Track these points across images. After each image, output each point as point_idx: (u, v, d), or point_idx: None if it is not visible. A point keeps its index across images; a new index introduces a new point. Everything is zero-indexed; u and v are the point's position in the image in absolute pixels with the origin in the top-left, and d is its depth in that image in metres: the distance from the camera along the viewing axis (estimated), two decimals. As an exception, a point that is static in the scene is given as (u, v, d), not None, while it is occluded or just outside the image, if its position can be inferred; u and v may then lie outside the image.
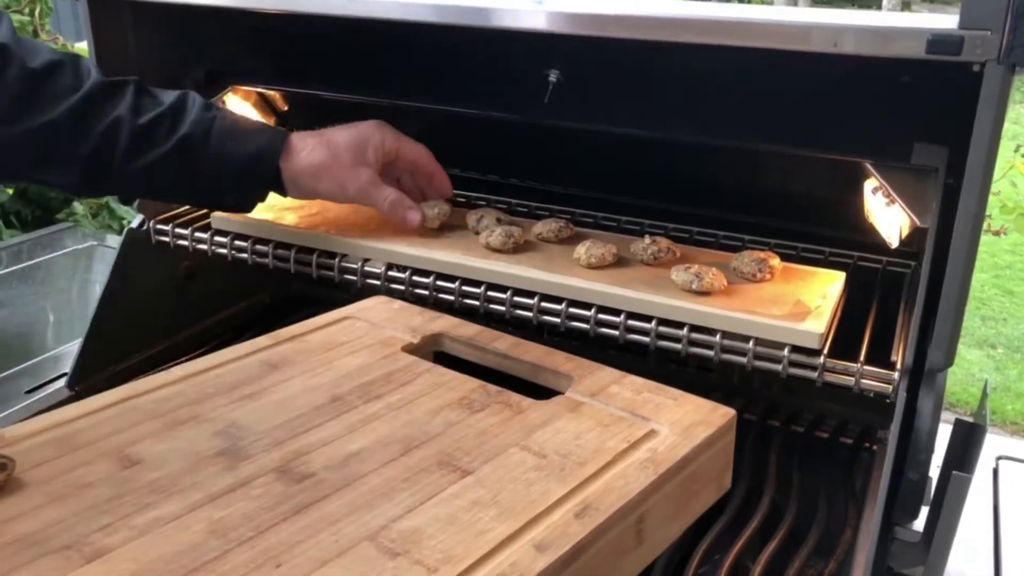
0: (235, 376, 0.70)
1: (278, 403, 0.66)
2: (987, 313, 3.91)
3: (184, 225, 1.01)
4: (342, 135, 0.90)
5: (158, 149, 0.82)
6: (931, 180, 0.74)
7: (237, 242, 0.98)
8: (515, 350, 0.76)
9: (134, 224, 1.04)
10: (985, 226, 2.31)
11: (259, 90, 1.08)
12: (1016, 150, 2.53)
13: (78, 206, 1.66)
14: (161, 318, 1.09)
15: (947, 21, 0.62)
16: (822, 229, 0.97)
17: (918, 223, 0.74)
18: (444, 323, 0.81)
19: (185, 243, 1.01)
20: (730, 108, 0.89)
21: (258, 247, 0.97)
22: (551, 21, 0.78)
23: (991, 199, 2.68)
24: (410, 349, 0.76)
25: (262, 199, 0.90)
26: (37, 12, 1.77)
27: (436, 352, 0.80)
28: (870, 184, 0.81)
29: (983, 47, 0.59)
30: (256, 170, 0.86)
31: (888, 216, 0.80)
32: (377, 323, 0.80)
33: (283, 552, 0.50)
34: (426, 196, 0.98)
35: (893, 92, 0.77)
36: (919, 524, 0.77)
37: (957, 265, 0.65)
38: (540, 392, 0.72)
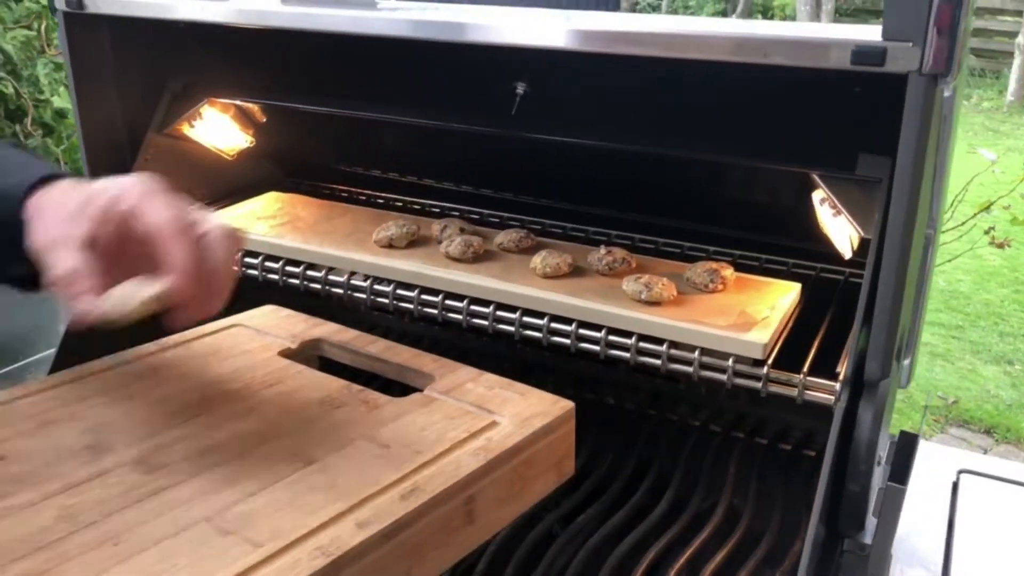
0: (115, 380, 0.73)
1: (149, 403, 0.69)
2: (1006, 329, 3.84)
3: (159, 234, 1.03)
4: (100, 184, 0.61)
5: None
6: (876, 191, 0.74)
7: (208, 251, 1.00)
8: (386, 353, 0.79)
9: (112, 233, 1.06)
10: (989, 238, 2.27)
11: (237, 103, 1.10)
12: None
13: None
14: (137, 326, 1.11)
15: (874, 33, 0.62)
16: (787, 240, 0.97)
17: (862, 234, 0.74)
18: (325, 329, 0.83)
19: (160, 252, 1.03)
20: (691, 119, 0.89)
21: (228, 256, 0.99)
22: (519, 35, 0.80)
23: (1001, 213, 2.65)
24: (287, 354, 0.78)
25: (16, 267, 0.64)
26: (43, 27, 1.82)
27: (322, 358, 0.82)
28: (818, 195, 0.81)
29: (905, 58, 0.59)
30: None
31: (837, 227, 0.80)
32: (262, 330, 0.83)
33: (123, 532, 0.54)
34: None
35: (841, 103, 0.77)
36: (871, 536, 0.76)
37: (889, 276, 0.65)
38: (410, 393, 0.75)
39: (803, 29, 0.69)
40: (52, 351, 1.06)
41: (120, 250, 0.60)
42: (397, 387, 0.75)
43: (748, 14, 8.26)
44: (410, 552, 0.57)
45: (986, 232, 2.50)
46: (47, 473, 0.60)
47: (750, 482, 0.90)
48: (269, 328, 0.84)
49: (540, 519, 0.86)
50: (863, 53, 0.60)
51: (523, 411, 0.69)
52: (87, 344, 1.05)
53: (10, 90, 1.71)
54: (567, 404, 0.71)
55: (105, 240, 0.59)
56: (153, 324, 1.05)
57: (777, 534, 0.83)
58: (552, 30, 0.78)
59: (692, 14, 8.32)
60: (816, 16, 7.69)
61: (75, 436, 0.64)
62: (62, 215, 0.60)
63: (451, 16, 0.86)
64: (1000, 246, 2.33)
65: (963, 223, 2.68)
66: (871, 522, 0.76)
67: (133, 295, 0.60)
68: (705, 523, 0.85)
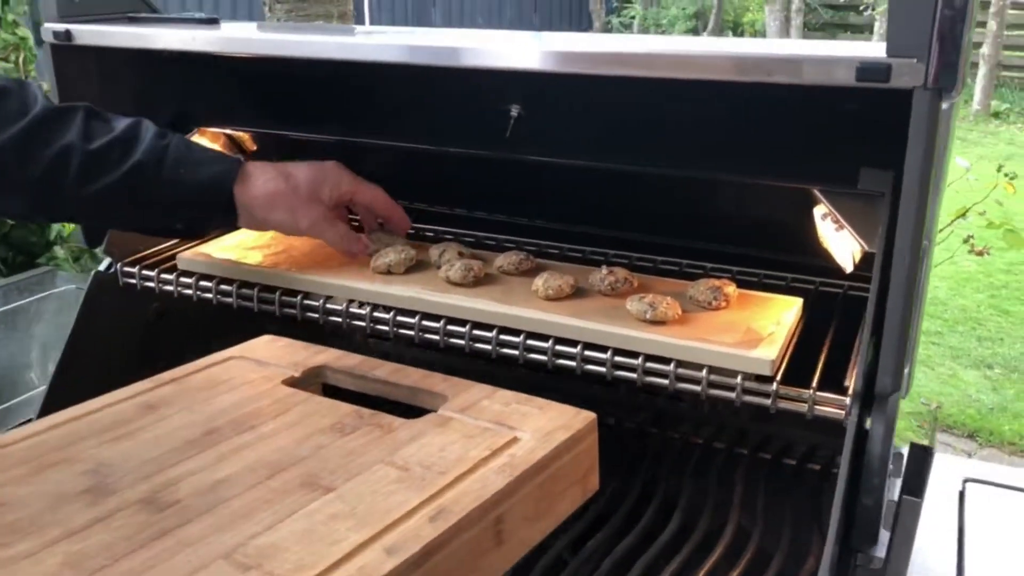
0: (110, 419, 0.71)
1: (150, 440, 0.67)
2: (983, 333, 3.89)
3: (151, 267, 1.02)
4: (300, 169, 0.90)
5: (109, 176, 0.82)
6: (878, 205, 0.74)
7: (202, 283, 0.99)
8: (394, 376, 0.78)
9: (101, 267, 1.05)
10: (968, 247, 2.30)
11: (227, 132, 1.09)
12: (998, 169, 2.54)
13: (59, 250, 1.67)
14: (130, 361, 1.09)
15: (878, 49, 0.63)
16: (785, 255, 0.97)
17: (866, 248, 0.74)
18: (327, 356, 0.82)
19: (152, 284, 1.02)
20: (688, 138, 0.90)
21: (222, 287, 0.98)
22: (512, 58, 0.80)
23: (976, 219, 2.69)
24: (291, 382, 0.77)
25: (215, 227, 0.92)
26: (21, 59, 1.80)
27: (326, 385, 0.81)
28: (819, 210, 0.81)
29: (910, 74, 0.60)
30: (209, 197, 0.85)
31: (839, 241, 0.80)
32: (262, 360, 0.81)
33: None
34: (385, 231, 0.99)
35: (840, 119, 0.78)
36: (883, 550, 0.76)
37: (898, 289, 0.65)
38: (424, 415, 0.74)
39: (802, 47, 0.70)
40: (33, 392, 1.04)
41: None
42: (406, 412, 0.74)
43: (719, 31, 8.37)
44: None
45: (965, 240, 2.53)
46: (47, 519, 0.58)
47: (757, 498, 0.90)
48: (269, 358, 0.83)
49: (550, 546, 0.85)
50: (868, 70, 0.61)
51: (544, 425, 0.68)
52: (77, 383, 1.03)
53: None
54: (588, 415, 0.70)
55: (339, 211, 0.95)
56: (145, 359, 1.03)
57: (788, 551, 0.83)
58: (547, 53, 0.78)
59: (664, 32, 8.42)
60: (785, 32, 7.80)
61: (74, 479, 0.62)
62: (300, 197, 0.89)
63: (442, 41, 0.86)
64: (980, 253, 2.36)
65: (941, 230, 2.71)
66: (882, 536, 0.76)
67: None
68: (715, 543, 0.84)
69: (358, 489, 0.60)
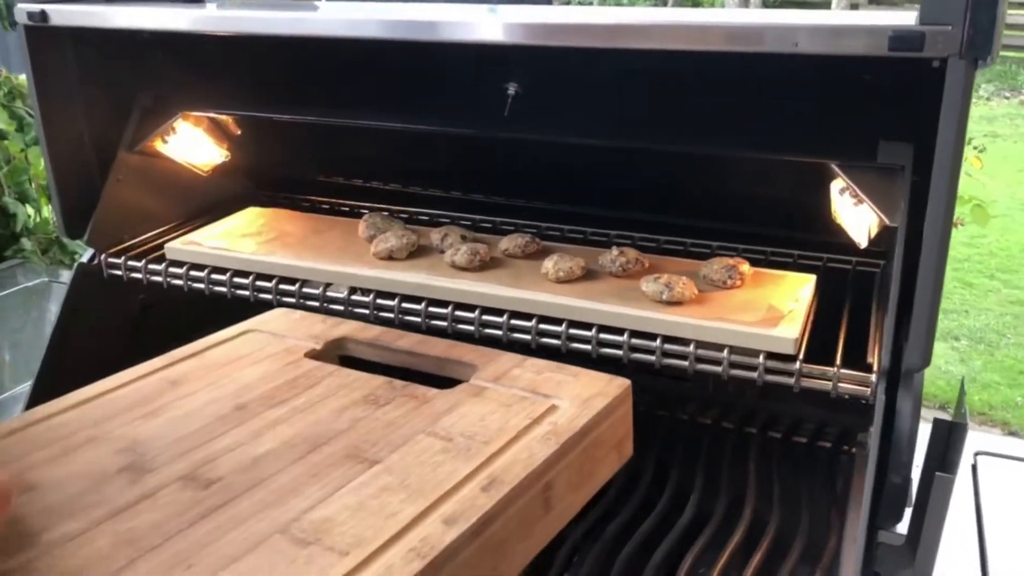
0: (134, 396, 0.70)
1: (180, 417, 0.66)
2: (948, 306, 3.95)
3: (137, 258, 0.98)
4: None
5: None
6: (898, 178, 0.73)
7: (193, 272, 0.95)
8: (420, 347, 0.77)
9: (84, 258, 1.00)
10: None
11: (210, 115, 1.05)
12: (968, 143, 2.56)
13: (26, 242, 1.61)
14: (117, 354, 1.04)
15: (907, 18, 0.61)
16: (790, 232, 0.96)
17: (887, 222, 0.73)
18: (347, 328, 0.81)
19: (139, 276, 0.98)
20: (693, 113, 0.87)
21: (214, 276, 0.94)
22: (506, 33, 0.77)
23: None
24: (313, 355, 0.76)
25: None
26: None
27: (342, 357, 0.79)
28: (837, 185, 0.80)
29: (944, 42, 0.58)
30: None
31: (856, 216, 0.79)
32: (279, 334, 0.80)
33: (193, 554, 0.51)
34: None
35: (856, 91, 0.76)
36: (902, 527, 0.76)
37: (930, 263, 0.64)
38: (450, 386, 0.72)
39: (824, 17, 0.68)
40: (29, 384, 0.99)
41: None
42: (433, 384, 0.72)
43: (679, 6, 8.35)
44: (497, 547, 0.55)
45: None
46: (87, 500, 0.56)
47: (772, 479, 0.89)
48: (286, 331, 0.81)
49: (567, 536, 0.83)
50: (901, 38, 0.59)
51: (581, 392, 0.68)
52: (63, 379, 0.99)
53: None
54: (623, 382, 0.70)
55: None
56: (133, 353, 0.99)
57: (808, 532, 0.82)
58: (544, 26, 0.75)
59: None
60: (744, 3, 7.82)
61: (108, 458, 0.61)
62: None
63: (434, 15, 0.82)
64: (954, 225, 2.37)
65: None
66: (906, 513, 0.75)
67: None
68: (733, 526, 0.83)
69: (404, 461, 0.59)
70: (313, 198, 1.17)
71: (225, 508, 0.55)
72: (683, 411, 1.01)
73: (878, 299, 0.84)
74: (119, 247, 1.00)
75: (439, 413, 0.65)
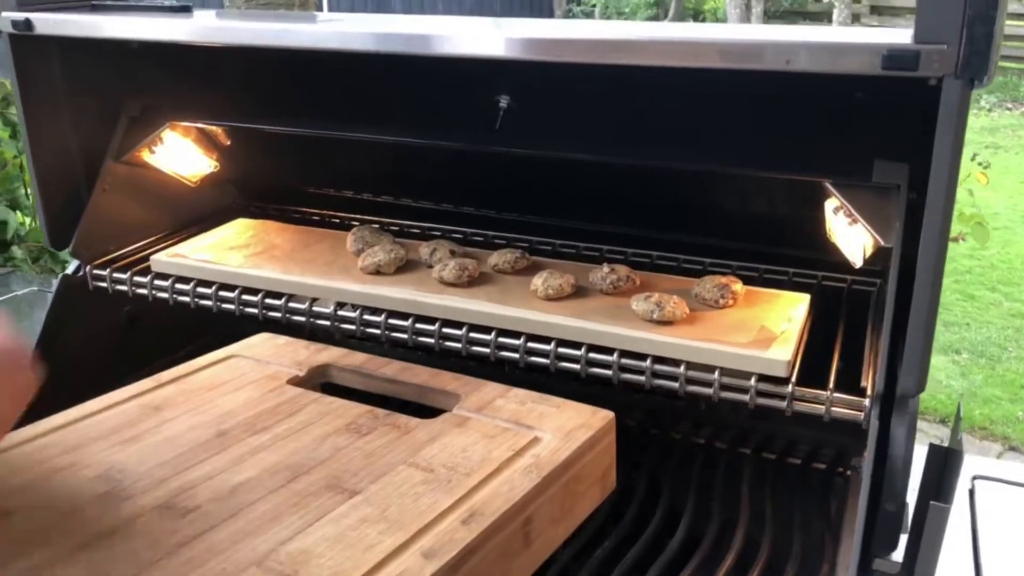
0: (115, 421, 0.69)
1: (161, 443, 0.65)
2: (949, 319, 3.93)
3: (122, 269, 0.97)
4: None
5: None
6: (893, 197, 0.72)
7: (178, 285, 0.94)
8: (403, 374, 0.77)
9: (69, 270, 0.99)
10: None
11: (199, 126, 1.04)
12: (972, 158, 2.55)
13: (17, 251, 1.59)
14: (103, 366, 1.03)
15: (902, 35, 0.59)
16: (785, 249, 0.95)
17: (882, 242, 0.71)
18: (331, 354, 0.80)
19: (124, 288, 0.96)
20: (687, 129, 0.86)
21: (200, 290, 0.92)
22: (499, 47, 0.75)
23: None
24: (296, 382, 0.76)
25: None
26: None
27: (326, 384, 0.79)
28: (831, 204, 0.79)
29: (940, 61, 0.57)
30: None
31: (851, 236, 0.78)
32: (262, 359, 0.79)
33: None
34: None
35: (851, 109, 0.75)
36: (898, 554, 0.74)
37: (925, 286, 0.63)
38: (435, 414, 0.72)
39: (820, 34, 0.66)
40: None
41: None
42: (416, 412, 0.72)
43: (680, 18, 8.36)
44: None
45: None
46: (64, 527, 0.55)
47: (764, 502, 0.87)
48: (269, 357, 0.80)
49: (556, 557, 0.81)
50: (895, 57, 0.58)
51: (564, 424, 0.67)
52: (47, 393, 0.98)
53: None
54: (607, 414, 0.69)
55: None
56: (119, 366, 0.97)
57: (801, 557, 0.80)
58: (537, 41, 0.74)
59: (626, 19, 8.39)
60: (746, 19, 7.82)
61: (85, 484, 0.60)
62: None
63: (426, 28, 0.81)
64: (955, 240, 2.36)
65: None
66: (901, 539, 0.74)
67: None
68: (724, 550, 0.81)
69: (384, 491, 0.59)
70: (304, 210, 1.15)
71: (202, 538, 0.54)
72: (676, 430, 1.00)
73: (873, 319, 0.82)
74: (105, 258, 0.99)
75: (421, 443, 0.65)
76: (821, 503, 0.88)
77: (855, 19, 7.50)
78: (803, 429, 0.96)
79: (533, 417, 0.68)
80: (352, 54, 0.83)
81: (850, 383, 0.74)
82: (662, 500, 0.89)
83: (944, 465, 0.69)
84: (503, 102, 0.93)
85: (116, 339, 1.05)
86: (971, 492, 0.88)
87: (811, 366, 0.76)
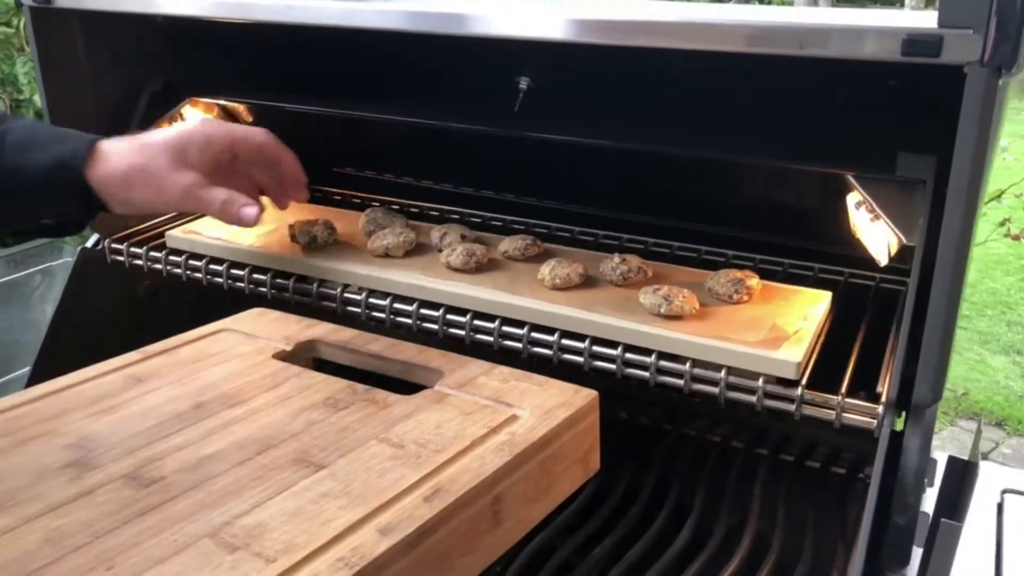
0: (96, 391, 0.69)
1: (136, 414, 0.65)
2: (1013, 318, 3.79)
3: (139, 244, 0.97)
4: (159, 136, 0.77)
5: None
6: (918, 193, 0.67)
7: (191, 262, 0.93)
8: (389, 351, 0.75)
9: (88, 243, 1.00)
10: (1004, 231, 2.19)
11: (220, 102, 1.03)
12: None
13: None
14: (120, 340, 1.04)
15: (927, 19, 0.55)
16: (811, 243, 0.90)
17: (904, 241, 0.67)
18: (320, 330, 0.79)
19: (140, 263, 0.97)
20: (710, 116, 0.83)
21: (212, 267, 0.92)
22: (521, 26, 0.73)
23: (1014, 202, 2.58)
24: (282, 356, 0.74)
25: (84, 217, 0.79)
26: (22, 24, 1.74)
27: (321, 360, 0.78)
28: (853, 198, 0.74)
29: (965, 48, 0.53)
30: (59, 181, 0.73)
31: (875, 232, 0.73)
32: (252, 333, 0.78)
33: (118, 555, 0.50)
34: (282, 186, 0.87)
35: (878, 98, 0.71)
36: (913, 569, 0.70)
37: (943, 288, 0.59)
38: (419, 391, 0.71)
39: (840, 16, 0.62)
40: (27, 369, 0.99)
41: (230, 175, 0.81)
42: (402, 388, 0.71)
43: (745, 1, 8.16)
44: (437, 560, 0.53)
45: (1001, 224, 2.43)
46: (28, 494, 0.56)
47: (777, 505, 0.84)
48: (259, 331, 0.80)
49: (555, 548, 0.80)
50: (916, 43, 0.53)
51: (544, 402, 0.66)
52: (65, 358, 0.99)
53: (-14, 89, 1.64)
54: (590, 393, 0.67)
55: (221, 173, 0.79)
56: (135, 338, 0.98)
57: (811, 565, 0.77)
58: (559, 21, 0.71)
59: None
60: (814, 3, 7.60)
61: (56, 453, 0.60)
62: (161, 168, 0.74)
63: (447, 7, 0.79)
64: (1016, 238, 2.26)
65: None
66: (916, 552, 0.70)
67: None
68: (731, 553, 0.78)
69: (351, 467, 0.58)
70: (326, 189, 1.14)
71: (160, 508, 0.54)
72: (691, 427, 0.97)
73: (898, 321, 0.78)
74: (123, 233, 0.99)
75: (396, 419, 0.64)
76: (837, 510, 0.84)
77: (928, 3, 7.23)
78: (823, 432, 0.91)
79: (514, 395, 0.66)
80: (376, 32, 0.81)
81: (867, 388, 0.70)
82: (670, 496, 0.86)
83: (962, 479, 0.65)
84: (523, 84, 0.90)
85: (135, 313, 1.05)
86: (999, 506, 0.83)
87: (828, 368, 0.73)
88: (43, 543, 0.51)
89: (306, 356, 0.77)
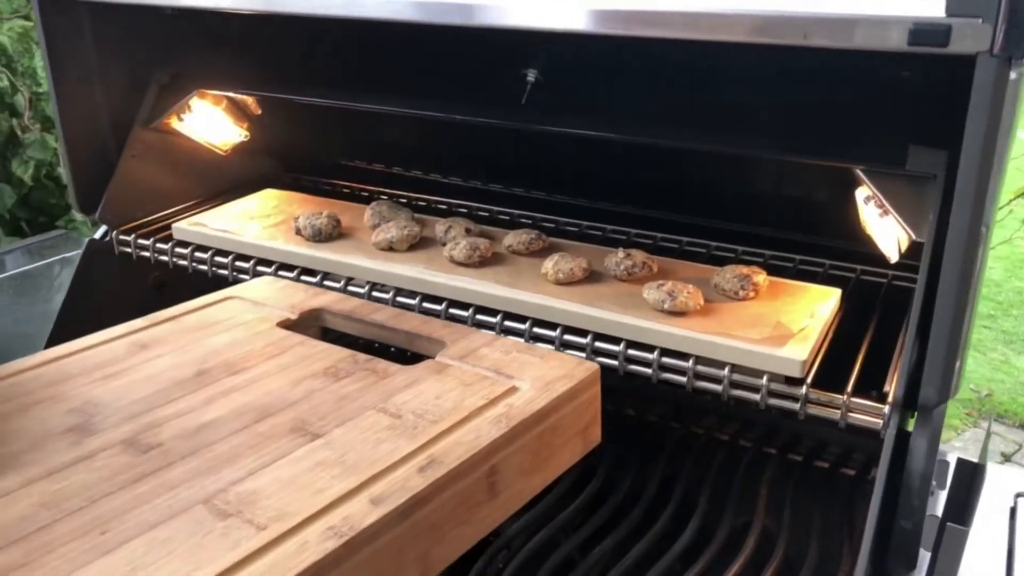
0: (101, 357, 0.69)
1: (140, 380, 0.66)
2: (1045, 317, 3.72)
3: (146, 236, 0.97)
4: None
5: None
6: (929, 188, 0.65)
7: (197, 253, 0.93)
8: (393, 320, 0.75)
9: (96, 235, 1.00)
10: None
11: (229, 95, 1.03)
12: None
13: (76, 213, 1.64)
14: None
15: (935, 7, 0.54)
16: (823, 239, 0.89)
17: (913, 237, 0.65)
18: (326, 299, 0.80)
19: (147, 254, 0.97)
20: (719, 107, 0.81)
21: (217, 259, 0.92)
22: (529, 17, 0.72)
23: (1043, 199, 2.51)
24: (287, 325, 0.75)
25: None
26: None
27: (329, 330, 0.78)
28: (862, 192, 0.73)
29: (973, 37, 0.51)
30: None
31: (883, 228, 0.72)
32: (259, 301, 0.79)
33: (112, 519, 0.50)
34: None
35: (890, 89, 0.69)
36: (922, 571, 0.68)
37: (950, 285, 0.57)
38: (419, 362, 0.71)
39: (847, 4, 0.60)
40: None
41: None
42: (407, 359, 0.71)
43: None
44: (429, 530, 0.53)
45: (1025, 222, 2.38)
46: (28, 457, 0.56)
47: (783, 506, 0.82)
48: (266, 299, 0.80)
49: (559, 544, 0.79)
50: (923, 32, 0.52)
51: (545, 375, 0.65)
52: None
53: (5, 83, 1.65)
54: (591, 366, 0.67)
55: None
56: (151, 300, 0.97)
57: (816, 567, 0.75)
58: (564, 11, 0.70)
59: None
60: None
61: (59, 417, 0.61)
62: None
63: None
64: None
65: (1000, 208, 2.56)
66: (924, 556, 0.68)
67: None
68: (736, 552, 0.77)
69: (347, 436, 0.58)
70: (335, 181, 1.14)
71: (156, 474, 0.54)
72: (699, 425, 0.95)
73: (909, 319, 0.76)
74: (130, 224, 0.99)
75: (395, 389, 0.64)
76: (846, 511, 0.83)
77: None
78: (834, 431, 0.89)
79: (515, 367, 0.66)
80: (384, 24, 0.80)
81: (874, 387, 0.68)
82: (675, 494, 0.85)
83: (972, 482, 0.63)
84: (531, 76, 0.89)
85: (144, 305, 1.05)
86: (1012, 510, 0.81)
87: (837, 367, 0.71)
88: (39, 507, 0.51)
89: (312, 325, 0.78)
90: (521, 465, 0.60)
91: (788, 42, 0.57)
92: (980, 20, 0.51)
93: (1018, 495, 0.81)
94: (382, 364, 0.67)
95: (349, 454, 0.56)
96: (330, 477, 0.53)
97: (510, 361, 0.67)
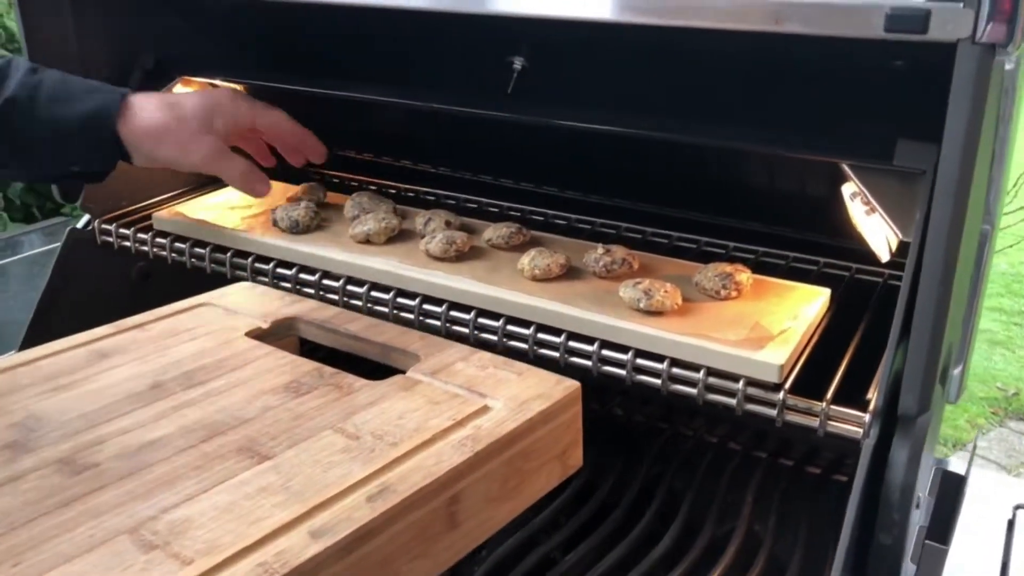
0: (56, 367, 0.66)
1: (91, 392, 0.63)
2: (1071, 316, 3.62)
3: (127, 226, 0.96)
4: (190, 99, 0.84)
5: None
6: (918, 185, 0.62)
7: (176, 244, 0.92)
8: (368, 331, 0.72)
9: (79, 224, 0.99)
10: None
11: (214, 82, 1.01)
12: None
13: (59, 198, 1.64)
14: (112, 321, 1.03)
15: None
16: (818, 236, 0.85)
17: (900, 236, 0.62)
18: (302, 307, 0.77)
19: (128, 244, 0.95)
20: (709, 98, 0.77)
21: (196, 250, 0.90)
22: (514, 2, 0.69)
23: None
24: (257, 334, 0.72)
25: (108, 167, 0.82)
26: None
27: (304, 341, 0.76)
28: (848, 188, 0.69)
29: (954, 22, 0.47)
30: (91, 132, 0.78)
31: (872, 226, 0.68)
32: (232, 309, 0.76)
33: (28, 550, 0.47)
34: (299, 152, 0.95)
35: (880, 80, 0.65)
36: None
37: (930, 287, 0.54)
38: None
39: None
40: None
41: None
42: (380, 371, 0.68)
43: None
44: (379, 565, 0.50)
45: (1055, 217, 2.31)
46: None
47: (770, 511, 0.79)
48: (240, 307, 0.77)
49: (538, 543, 0.76)
50: (900, 18, 0.48)
51: (520, 393, 0.61)
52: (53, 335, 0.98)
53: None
54: (572, 384, 0.63)
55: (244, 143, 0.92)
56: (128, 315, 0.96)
57: (799, 573, 0.72)
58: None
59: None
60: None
61: None
62: (189, 129, 0.81)
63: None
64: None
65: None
66: (909, 568, 0.65)
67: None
68: (720, 555, 0.74)
69: (298, 459, 0.54)
70: (323, 171, 1.12)
71: (86, 499, 0.51)
72: (687, 426, 0.92)
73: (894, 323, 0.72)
74: (113, 214, 0.98)
75: (358, 407, 0.60)
76: (835, 519, 0.79)
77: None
78: (825, 437, 0.86)
79: (489, 384, 0.62)
80: (371, 9, 0.78)
81: (857, 394, 0.65)
82: (657, 499, 0.82)
83: (956, 496, 0.60)
84: (517, 64, 0.86)
85: (127, 295, 1.04)
86: (1010, 523, 0.77)
87: (822, 372, 0.68)
88: None
89: (284, 335, 0.75)
90: (488, 493, 0.56)
91: (760, 28, 0.53)
92: (961, 5, 0.47)
93: (1017, 507, 0.78)
94: (348, 379, 0.64)
95: (296, 479, 0.52)
96: (271, 505, 0.50)
97: (485, 377, 0.64)
